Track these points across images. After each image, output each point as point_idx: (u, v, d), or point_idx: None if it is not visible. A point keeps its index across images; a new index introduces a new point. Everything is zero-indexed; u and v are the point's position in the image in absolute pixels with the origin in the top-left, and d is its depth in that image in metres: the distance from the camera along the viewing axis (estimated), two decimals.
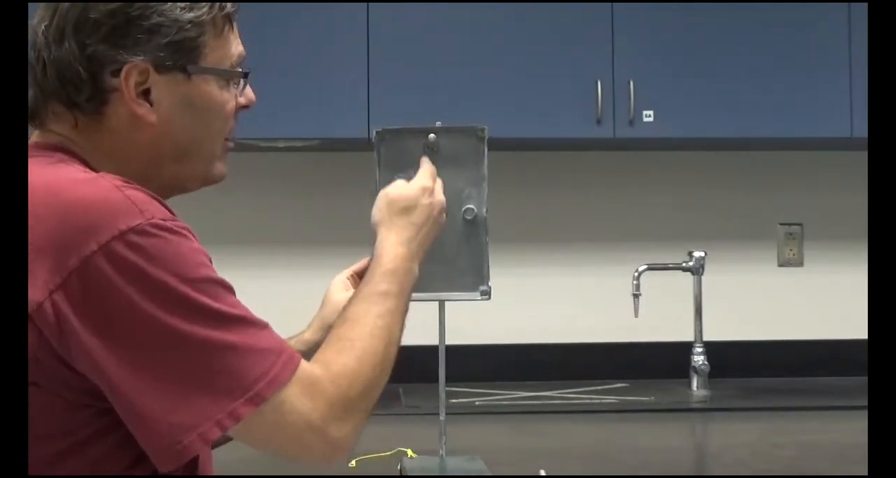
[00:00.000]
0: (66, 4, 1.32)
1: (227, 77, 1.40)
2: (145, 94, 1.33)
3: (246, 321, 1.26)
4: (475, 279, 1.79)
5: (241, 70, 1.42)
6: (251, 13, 1.60)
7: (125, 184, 1.25)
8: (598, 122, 3.19)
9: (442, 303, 1.94)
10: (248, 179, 3.44)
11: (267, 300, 3.57)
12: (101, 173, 1.28)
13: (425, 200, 1.59)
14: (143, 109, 1.33)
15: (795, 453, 2.47)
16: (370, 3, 3.18)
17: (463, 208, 1.76)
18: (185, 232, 1.26)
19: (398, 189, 1.60)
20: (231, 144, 1.46)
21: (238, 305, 1.27)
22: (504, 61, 3.21)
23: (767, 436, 2.73)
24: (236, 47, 1.41)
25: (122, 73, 1.31)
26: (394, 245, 1.52)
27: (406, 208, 1.57)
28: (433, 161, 1.69)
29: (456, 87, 3.17)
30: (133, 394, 1.19)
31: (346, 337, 1.37)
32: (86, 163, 1.33)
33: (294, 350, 1.30)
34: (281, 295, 3.41)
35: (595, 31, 3.21)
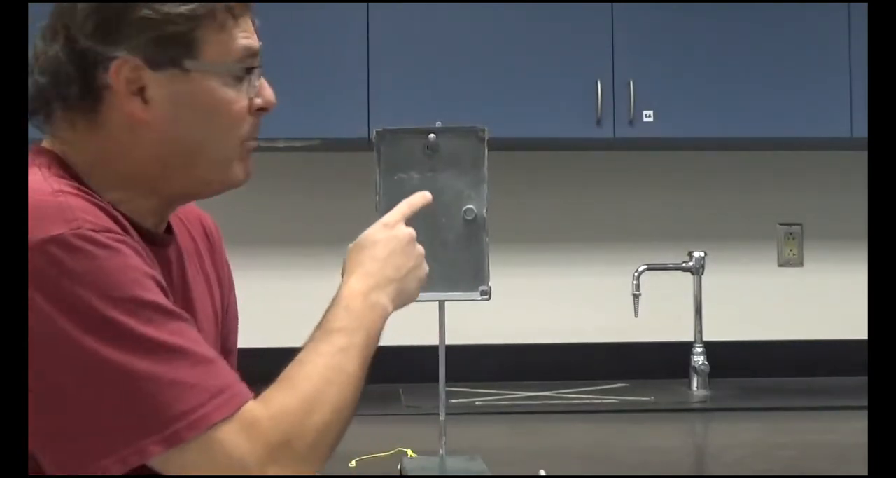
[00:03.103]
0: (62, 2, 1.29)
1: (229, 73, 1.30)
2: (142, 92, 1.27)
3: (179, 352, 1.16)
4: (475, 279, 1.79)
5: (244, 66, 1.31)
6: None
7: (70, 190, 1.20)
8: (598, 122, 3.19)
9: (442, 303, 1.95)
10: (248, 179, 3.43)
11: (266, 301, 3.58)
12: (52, 179, 1.22)
13: (381, 235, 1.42)
14: (134, 106, 1.27)
15: (795, 453, 2.47)
16: (370, 3, 3.17)
17: (463, 209, 1.76)
18: (118, 246, 1.17)
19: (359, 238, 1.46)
20: (253, 144, 1.35)
21: (178, 332, 1.17)
22: (504, 61, 3.20)
23: (767, 436, 2.73)
24: (242, 41, 1.31)
25: (112, 69, 1.26)
26: (349, 284, 1.36)
27: (362, 247, 1.41)
28: (433, 161, 1.69)
29: (456, 87, 3.17)
30: (35, 412, 1.13)
31: (289, 376, 1.23)
32: (72, 170, 1.28)
33: (243, 388, 1.20)
34: (281, 295, 3.41)
35: (595, 31, 3.21)
